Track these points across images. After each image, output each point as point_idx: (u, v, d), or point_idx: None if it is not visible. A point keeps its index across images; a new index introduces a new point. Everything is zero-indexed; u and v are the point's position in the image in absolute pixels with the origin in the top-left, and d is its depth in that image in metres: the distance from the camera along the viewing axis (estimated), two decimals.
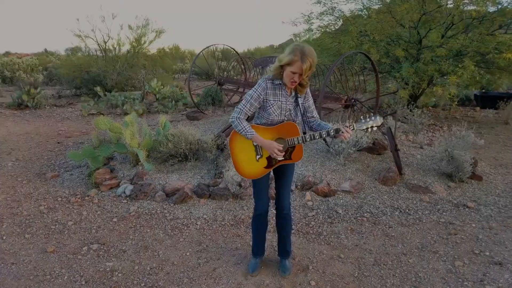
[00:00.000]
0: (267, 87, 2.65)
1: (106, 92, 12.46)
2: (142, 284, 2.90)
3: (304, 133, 2.75)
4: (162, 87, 12.87)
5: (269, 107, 2.67)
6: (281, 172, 2.91)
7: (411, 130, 7.25)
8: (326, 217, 4.15)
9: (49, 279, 2.93)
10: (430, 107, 10.40)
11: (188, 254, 3.38)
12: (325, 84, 5.24)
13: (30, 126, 9.49)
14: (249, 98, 2.66)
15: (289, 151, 2.74)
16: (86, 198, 4.64)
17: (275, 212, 3.04)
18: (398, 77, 7.23)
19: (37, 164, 6.11)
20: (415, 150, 6.03)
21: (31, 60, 23.88)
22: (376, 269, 3.20)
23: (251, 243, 3.20)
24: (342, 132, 2.62)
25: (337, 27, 8.89)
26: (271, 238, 3.59)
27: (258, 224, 3.03)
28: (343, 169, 5.10)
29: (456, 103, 7.67)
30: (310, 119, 2.86)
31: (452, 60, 7.05)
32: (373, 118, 2.68)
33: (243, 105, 2.66)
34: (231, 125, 2.77)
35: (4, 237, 3.60)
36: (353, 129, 2.67)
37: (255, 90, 2.66)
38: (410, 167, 5.34)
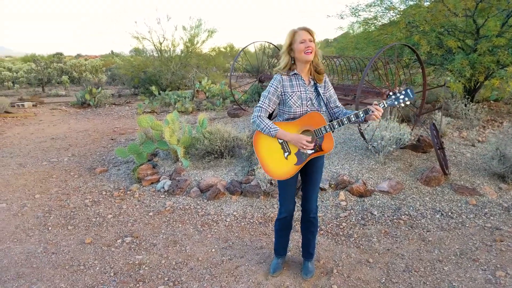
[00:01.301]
0: (282, 79, 2.59)
1: (161, 91, 12.98)
2: (166, 279, 2.99)
3: (331, 121, 2.64)
4: (212, 85, 13.15)
5: (288, 99, 2.59)
6: (308, 170, 2.78)
7: (466, 126, 6.75)
8: (360, 218, 4.00)
9: (82, 269, 3.12)
10: (492, 101, 9.61)
11: (213, 250, 3.43)
12: (363, 77, 5.03)
13: (90, 123, 10.15)
14: (267, 94, 2.61)
15: (317, 143, 2.59)
16: (128, 192, 4.88)
17: (300, 213, 2.97)
18: (450, 69, 6.75)
19: (90, 159, 6.52)
20: (465, 148, 5.60)
21: (96, 62, 25.51)
22: (406, 275, 3.03)
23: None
24: (372, 111, 2.46)
25: (385, 20, 8.49)
26: (297, 238, 3.53)
27: (282, 226, 2.96)
28: (383, 168, 4.88)
29: None
30: (334, 110, 2.74)
31: (511, 50, 6.44)
32: (403, 92, 2.48)
33: (262, 102, 2.60)
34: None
35: (50, 228, 3.89)
36: (384, 106, 2.49)
37: (271, 85, 2.61)
38: (457, 166, 4.97)
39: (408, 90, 2.50)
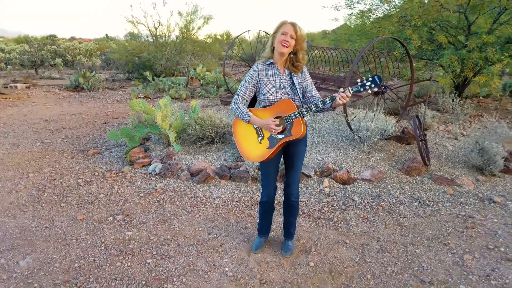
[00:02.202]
0: (258, 68, 2.78)
1: (155, 77, 13.03)
2: (154, 253, 3.17)
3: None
4: (207, 73, 13.21)
5: (263, 87, 2.78)
6: (289, 157, 2.97)
7: (452, 121, 6.96)
8: (341, 204, 4.20)
9: (74, 243, 3.29)
10: (482, 98, 9.83)
11: (200, 229, 3.61)
12: (352, 69, 5.19)
13: (83, 107, 10.22)
14: (244, 83, 2.82)
15: (288, 128, 2.74)
16: (120, 174, 5.03)
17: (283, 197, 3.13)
18: (441, 64, 6.93)
19: (82, 141, 6.64)
20: (448, 141, 5.81)
21: (90, 45, 25.35)
22: (379, 256, 3.23)
23: None
24: (338, 95, 2.56)
25: (379, 13, 8.62)
26: (280, 220, 3.72)
27: (264, 209, 3.16)
28: (366, 157, 5.07)
29: (501, 93, 7.20)
30: (310, 99, 2.87)
31: (500, 48, 6.62)
32: (370, 79, 2.53)
33: (239, 90, 2.83)
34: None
35: (43, 205, 4.05)
36: (350, 92, 2.57)
37: (248, 74, 2.81)
38: (439, 158, 5.18)
39: (376, 77, 2.53)
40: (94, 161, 5.56)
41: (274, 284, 2.82)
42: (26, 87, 13.28)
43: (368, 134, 5.12)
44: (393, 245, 3.40)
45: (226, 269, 2.97)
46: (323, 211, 4.05)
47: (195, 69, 13.38)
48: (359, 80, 2.61)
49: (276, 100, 2.79)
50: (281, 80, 2.78)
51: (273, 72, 2.78)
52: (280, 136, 2.76)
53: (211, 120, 5.45)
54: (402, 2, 8.24)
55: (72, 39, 43.49)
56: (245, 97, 2.83)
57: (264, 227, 3.28)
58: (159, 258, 3.09)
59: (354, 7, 8.71)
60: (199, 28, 16.04)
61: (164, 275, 2.86)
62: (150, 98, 11.20)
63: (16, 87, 12.93)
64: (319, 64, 8.07)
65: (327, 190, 4.48)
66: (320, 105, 2.65)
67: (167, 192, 4.44)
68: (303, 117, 2.75)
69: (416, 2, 7.00)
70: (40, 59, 20.60)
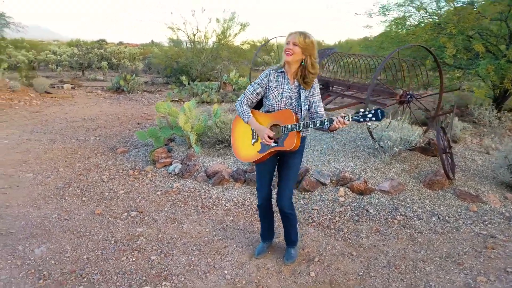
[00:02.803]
0: (269, 73, 2.82)
1: (190, 82, 13.37)
2: (159, 250, 3.26)
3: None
4: (240, 78, 13.38)
5: (270, 93, 2.82)
6: (283, 168, 2.98)
7: (488, 134, 6.62)
8: (354, 214, 4.11)
9: (87, 235, 3.47)
10: None
11: (207, 230, 3.66)
12: (374, 77, 5.07)
13: (121, 108, 10.67)
14: (253, 84, 2.87)
15: (282, 138, 2.77)
16: (142, 172, 5.21)
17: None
18: (474, 74, 6.62)
19: (114, 140, 6.94)
20: (478, 155, 5.52)
21: (134, 50, 26.39)
22: (385, 271, 3.13)
23: None
24: (336, 120, 2.56)
25: (415, 20, 8.38)
26: None
27: (261, 213, 3.19)
28: (387, 168, 4.93)
29: None
30: (314, 115, 2.89)
31: None
32: (373, 112, 2.52)
33: (247, 90, 2.89)
34: None
35: (67, 198, 4.29)
36: (348, 120, 2.57)
37: (259, 77, 2.86)
38: (465, 172, 4.94)
39: (379, 111, 2.49)
40: (121, 159, 5.79)
41: None
42: (71, 88, 14.04)
43: (390, 144, 4.97)
44: (402, 261, 3.28)
45: (225, 271, 2.99)
46: (334, 220, 3.98)
47: (228, 75, 13.59)
48: (362, 110, 2.57)
49: (279, 108, 2.82)
50: (289, 90, 2.81)
51: (283, 80, 2.81)
52: (272, 144, 2.78)
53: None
54: (437, 9, 7.96)
55: (120, 43, 45.45)
56: (251, 98, 2.88)
57: (266, 232, 3.29)
58: (163, 255, 3.17)
59: (388, 14, 8.50)
60: (235, 34, 16.31)
61: (165, 272, 2.94)
62: (184, 102, 11.47)
63: (62, 87, 13.70)
64: (345, 72, 7.95)
65: (341, 199, 4.40)
66: (318, 124, 2.68)
67: (182, 192, 4.54)
68: (300, 131, 2.75)
69: (451, 10, 6.74)
70: (87, 62, 21.73)
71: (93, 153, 6.07)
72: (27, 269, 2.91)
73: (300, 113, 2.82)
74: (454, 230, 3.84)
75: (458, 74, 8.19)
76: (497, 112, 7.02)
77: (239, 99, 2.90)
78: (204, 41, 16.00)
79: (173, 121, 5.94)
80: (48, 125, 7.83)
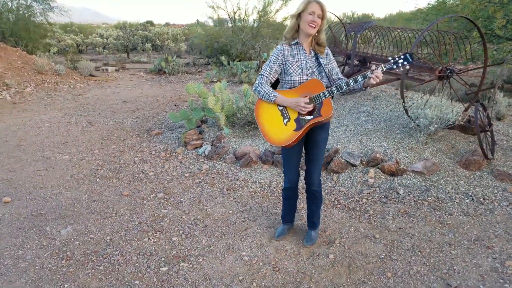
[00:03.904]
0: (283, 48, 2.70)
1: (230, 61, 13.34)
2: (181, 232, 3.36)
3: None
4: None
5: (289, 68, 2.69)
6: (310, 145, 2.89)
7: None
8: (383, 196, 3.99)
9: (113, 216, 3.62)
10: None
11: (230, 212, 3.72)
12: (411, 51, 4.78)
13: (161, 89, 10.92)
14: (268, 63, 2.73)
15: (316, 109, 2.66)
16: (174, 154, 5.34)
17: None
18: None
19: (150, 122, 7.15)
20: None
21: (176, 31, 26.69)
22: (408, 254, 3.04)
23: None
24: (371, 74, 2.53)
25: None
26: None
27: (287, 196, 3.14)
28: (422, 148, 4.70)
29: None
30: (337, 82, 2.79)
31: None
32: (402, 56, 2.53)
33: (264, 70, 2.73)
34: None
35: (98, 179, 4.49)
36: (382, 70, 2.54)
37: (273, 54, 2.73)
38: (506, 151, 4.61)
39: (407, 55, 2.54)
40: (155, 141, 5.97)
41: (286, 273, 2.82)
42: (115, 70, 14.55)
43: (426, 122, 4.72)
44: (427, 244, 3.16)
45: (244, 253, 3.03)
46: (360, 202, 3.89)
47: (268, 53, 13.39)
48: (390, 58, 2.58)
49: (302, 81, 2.70)
50: (307, 61, 2.71)
51: (299, 52, 2.71)
52: (308, 117, 2.67)
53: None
54: None
55: (167, 24, 46.05)
56: (269, 78, 2.72)
57: (288, 215, 3.27)
58: (184, 236, 3.26)
59: None
60: (277, 10, 15.94)
61: (184, 253, 3.03)
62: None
63: (107, 70, 14.24)
64: (386, 47, 7.56)
65: (371, 181, 4.27)
66: (352, 83, 2.59)
67: (210, 174, 4.62)
68: (332, 96, 2.68)
69: None
70: (132, 44, 22.33)
71: (128, 135, 6.29)
72: (52, 249, 3.08)
73: (325, 82, 2.75)
74: (487, 212, 3.63)
75: (510, 46, 7.56)
76: None
77: (257, 81, 2.74)
78: (244, 18, 15.82)
79: (204, 103, 6.00)
80: (89, 107, 8.19)
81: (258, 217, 3.62)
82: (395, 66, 2.55)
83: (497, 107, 5.46)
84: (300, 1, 2.65)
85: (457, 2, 7.87)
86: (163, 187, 4.29)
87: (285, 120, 2.73)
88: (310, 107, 2.62)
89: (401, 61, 2.53)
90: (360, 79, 2.56)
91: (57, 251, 3.06)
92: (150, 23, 38.29)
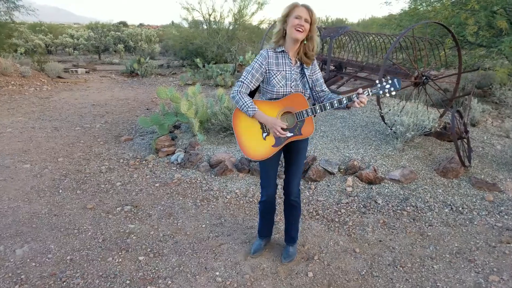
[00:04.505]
0: (268, 55, 2.49)
1: (206, 64, 13.08)
2: (148, 250, 3.11)
3: (314, 105, 2.54)
4: None
5: (272, 78, 2.49)
6: (291, 153, 2.72)
7: (509, 116, 6.18)
8: (361, 206, 3.87)
9: (75, 233, 3.33)
10: None
11: (203, 226, 3.50)
12: (386, 57, 4.72)
13: (132, 92, 10.56)
14: (250, 69, 2.51)
15: (298, 126, 2.52)
16: (144, 162, 5.07)
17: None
18: (497, 52, 6.14)
19: (120, 127, 6.83)
20: (497, 139, 5.14)
21: (150, 32, 26.13)
22: (390, 270, 2.91)
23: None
24: (356, 97, 2.38)
25: None
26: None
27: (264, 209, 2.95)
28: (399, 155, 4.63)
29: None
30: (320, 94, 2.65)
31: None
32: (389, 82, 2.41)
33: (245, 76, 2.51)
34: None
35: (60, 191, 4.17)
36: (368, 94, 2.41)
37: (256, 61, 2.50)
38: (482, 158, 4.60)
39: (395, 80, 2.42)
40: (124, 147, 5.67)
41: None
42: (85, 72, 14.03)
43: (402, 129, 4.66)
44: (408, 258, 3.05)
45: (217, 273, 2.83)
46: (339, 213, 3.76)
47: (244, 56, 13.21)
48: (377, 81, 2.45)
49: (285, 93, 2.52)
50: (292, 72, 2.53)
51: (284, 61, 2.51)
52: (288, 134, 2.52)
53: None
54: None
55: (141, 25, 45.08)
56: (250, 86, 2.52)
57: (264, 229, 3.09)
58: (152, 255, 3.02)
59: None
60: (252, 14, 15.83)
61: (151, 275, 2.79)
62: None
63: (76, 71, 13.71)
64: (361, 52, 7.52)
65: (349, 189, 4.16)
66: (336, 104, 2.44)
67: (183, 184, 4.39)
68: (315, 115, 2.52)
69: None
70: (104, 45, 21.68)
71: (96, 141, 5.97)
72: (4, 272, 2.76)
73: (308, 95, 2.60)
74: (467, 222, 3.57)
75: (481, 52, 7.67)
76: None
77: (235, 88, 2.52)
78: (220, 21, 15.59)
79: (176, 108, 5.76)
80: (55, 111, 7.77)
81: (233, 231, 3.42)
82: (381, 92, 2.43)
83: (472, 113, 5.48)
84: (285, 5, 2.49)
85: (429, 8, 7.94)
86: (130, 199, 4.02)
87: (264, 134, 2.57)
88: (285, 134, 2.49)
89: (388, 86, 2.41)
90: (345, 101, 2.41)
91: (10, 274, 2.75)
92: (124, 23, 37.42)
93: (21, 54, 16.21)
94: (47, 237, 3.24)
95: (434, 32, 7.39)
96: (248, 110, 2.47)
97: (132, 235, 3.30)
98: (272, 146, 2.56)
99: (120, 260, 2.94)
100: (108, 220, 3.56)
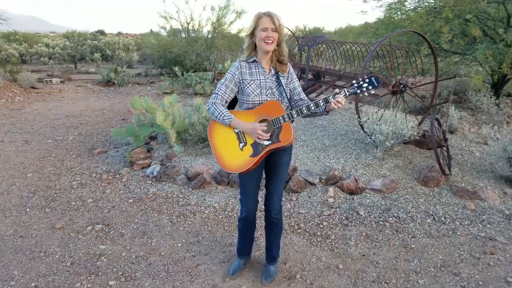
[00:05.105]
0: (241, 66, 2.44)
1: (184, 72, 12.89)
2: (120, 273, 2.91)
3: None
4: None
5: (246, 87, 2.43)
6: (272, 168, 2.62)
7: (487, 122, 6.25)
8: (343, 218, 3.77)
9: (41, 256, 3.10)
10: None
11: (179, 245, 3.33)
12: (364, 65, 4.69)
13: (108, 102, 10.27)
14: (224, 81, 2.46)
15: (275, 133, 2.41)
16: (117, 176, 4.85)
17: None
18: (471, 59, 6.22)
19: (94, 139, 6.58)
20: (476, 146, 5.17)
21: (128, 40, 25.74)
22: (374, 287, 2.81)
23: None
24: (333, 98, 2.32)
25: (411, 5, 7.93)
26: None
27: (243, 227, 2.82)
28: (380, 164, 4.58)
29: None
30: (298, 102, 2.57)
31: None
32: (367, 80, 2.33)
33: (218, 88, 2.46)
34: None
35: (28, 210, 3.92)
36: (345, 94, 2.34)
37: (229, 72, 2.46)
38: (462, 166, 4.59)
39: (373, 78, 2.34)
40: (97, 161, 5.44)
41: None
42: (60, 82, 13.61)
43: (381, 138, 4.61)
44: (393, 273, 2.96)
45: None
46: (321, 226, 3.65)
47: (223, 65, 13.10)
48: (355, 81, 2.36)
49: (260, 101, 2.44)
50: (267, 80, 2.45)
51: (257, 70, 2.45)
52: (266, 143, 2.40)
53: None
54: None
55: (119, 34, 44.43)
56: (224, 97, 2.46)
57: (244, 248, 2.95)
58: (123, 279, 2.83)
59: None
60: (231, 22, 15.74)
61: None
62: (176, 94, 11.07)
63: (51, 81, 13.28)
64: (339, 60, 7.52)
65: (331, 200, 4.06)
66: (313, 108, 2.35)
67: (158, 199, 4.20)
68: (292, 121, 2.43)
69: None
70: (80, 54, 21.17)
71: (68, 154, 5.71)
72: None
73: (285, 103, 2.51)
74: (450, 233, 3.52)
75: (455, 59, 7.79)
76: (496, 99, 6.64)
77: (210, 100, 2.46)
78: (198, 29, 15.45)
79: (152, 118, 5.57)
80: (27, 123, 7.45)
81: (211, 249, 3.26)
82: (359, 91, 2.35)
83: (450, 120, 5.50)
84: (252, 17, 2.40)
85: (404, 17, 8.02)
86: (102, 217, 3.80)
87: (241, 145, 2.46)
88: (267, 136, 2.37)
89: (365, 85, 2.33)
90: (321, 103, 2.35)
91: None
92: (101, 32, 36.79)
93: None
94: (11, 261, 3.00)
95: (410, 40, 7.47)
96: (224, 119, 2.41)
97: (103, 257, 3.10)
98: (250, 156, 2.44)
99: (89, 285, 2.74)
100: (77, 240, 3.34)
